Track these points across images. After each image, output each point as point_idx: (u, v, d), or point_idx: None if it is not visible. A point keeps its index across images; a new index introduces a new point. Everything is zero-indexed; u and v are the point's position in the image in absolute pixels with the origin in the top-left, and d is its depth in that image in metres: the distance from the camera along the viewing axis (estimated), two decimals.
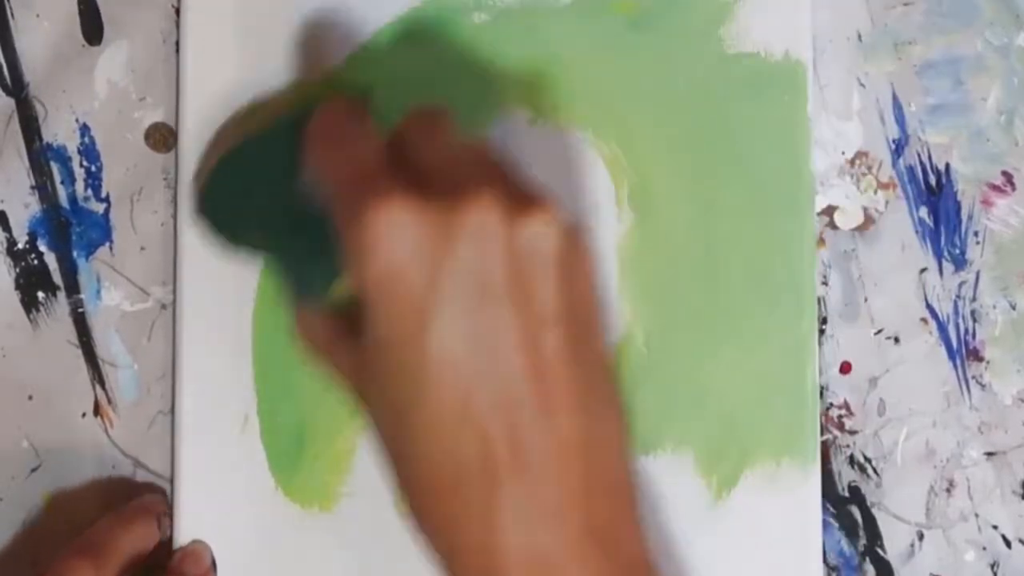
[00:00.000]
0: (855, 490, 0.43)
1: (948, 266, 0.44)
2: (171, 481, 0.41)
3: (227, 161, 0.39)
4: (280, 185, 0.37)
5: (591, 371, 0.33)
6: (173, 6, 0.43)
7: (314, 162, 0.35)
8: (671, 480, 0.41)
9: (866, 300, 0.43)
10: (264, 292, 0.41)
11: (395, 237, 0.31)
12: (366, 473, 0.41)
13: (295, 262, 0.37)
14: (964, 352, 0.44)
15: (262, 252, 0.39)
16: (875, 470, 0.43)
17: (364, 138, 0.34)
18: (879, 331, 0.43)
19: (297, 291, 0.37)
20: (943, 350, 0.44)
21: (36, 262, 0.42)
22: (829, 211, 0.44)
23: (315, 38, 0.42)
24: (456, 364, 0.31)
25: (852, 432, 0.43)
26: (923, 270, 0.44)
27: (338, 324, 0.35)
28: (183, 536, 0.41)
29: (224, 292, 0.41)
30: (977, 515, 0.43)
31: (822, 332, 0.43)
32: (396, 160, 0.33)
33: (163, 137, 0.42)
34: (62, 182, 0.42)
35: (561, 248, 0.32)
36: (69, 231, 0.42)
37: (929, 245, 0.44)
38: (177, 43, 0.42)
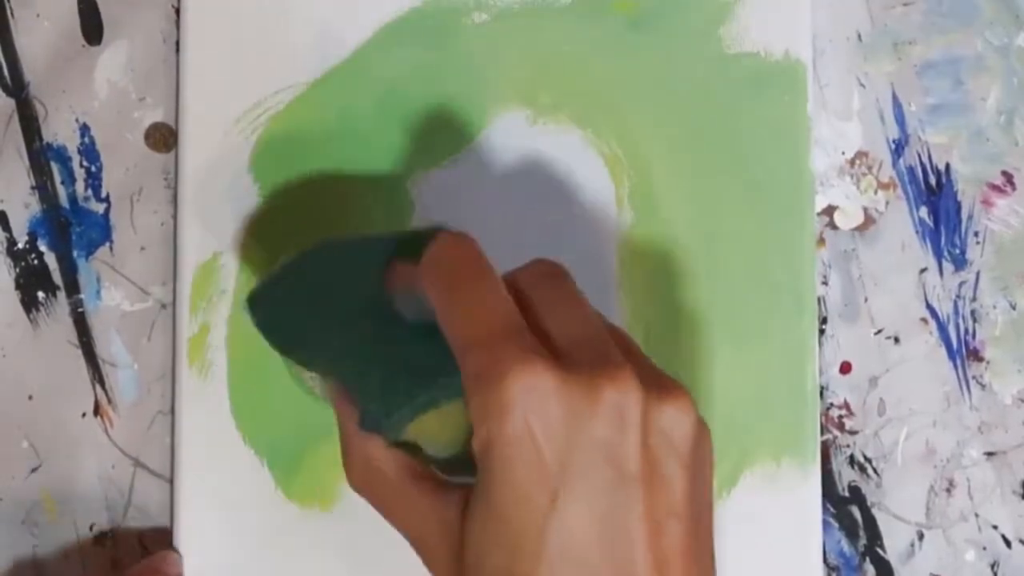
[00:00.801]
0: (855, 490, 0.43)
1: (948, 266, 0.44)
2: (171, 481, 0.41)
3: (295, 266, 0.37)
4: (357, 302, 0.35)
5: (705, 571, 0.32)
6: (173, 6, 0.43)
7: (439, 304, 0.33)
8: None
9: (866, 300, 0.43)
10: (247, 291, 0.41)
11: (534, 404, 0.30)
12: None
13: (367, 389, 0.34)
14: (964, 352, 0.44)
15: (321, 369, 0.37)
16: (875, 470, 0.43)
17: (494, 290, 0.32)
18: (879, 331, 0.43)
19: (364, 421, 0.33)
20: (943, 350, 0.44)
21: (36, 262, 0.42)
22: (829, 211, 0.44)
23: (315, 38, 0.42)
24: (579, 544, 0.30)
25: (852, 432, 0.43)
26: (923, 270, 0.44)
27: (416, 470, 0.33)
28: (183, 536, 0.41)
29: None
30: (977, 515, 0.43)
31: (822, 332, 0.43)
32: (531, 319, 0.32)
33: (163, 137, 0.42)
34: (62, 182, 0.42)
35: (694, 437, 0.31)
36: (69, 231, 0.42)
37: (929, 245, 0.44)
38: (177, 43, 0.42)
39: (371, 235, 0.37)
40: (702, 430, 0.32)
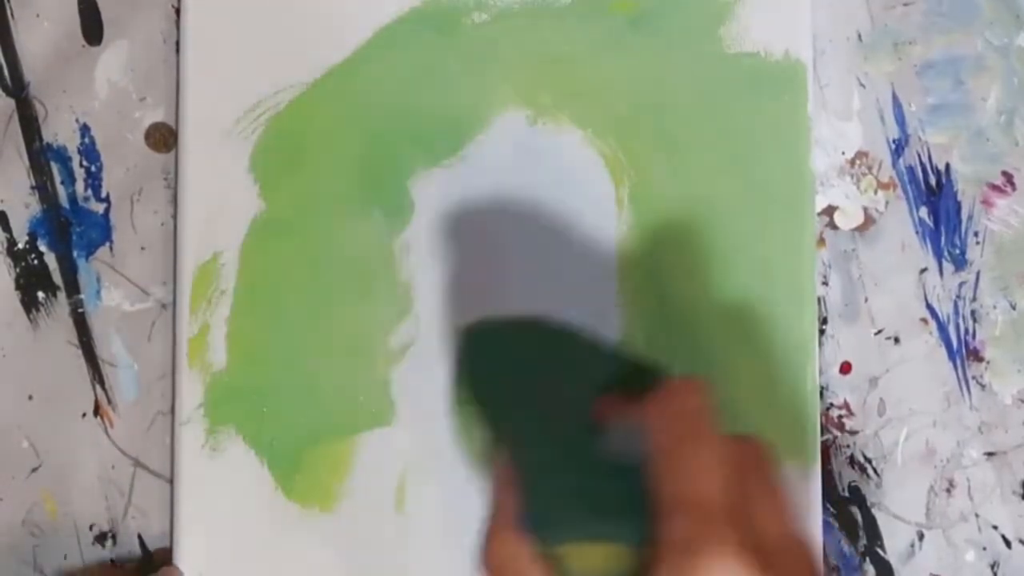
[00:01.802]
0: (855, 490, 0.43)
1: (948, 266, 0.44)
2: (171, 481, 0.41)
3: (523, 326, 0.37)
4: (563, 403, 0.35)
5: None
6: (173, 6, 0.43)
7: (659, 453, 0.33)
8: None
9: (866, 300, 0.43)
10: (246, 294, 0.41)
11: None
12: (366, 473, 0.41)
13: (542, 492, 0.33)
14: (964, 352, 0.44)
15: (500, 436, 0.37)
16: (875, 470, 0.43)
17: (715, 456, 0.33)
18: (879, 331, 0.43)
19: (528, 520, 0.33)
20: (943, 350, 0.44)
21: (36, 262, 0.42)
22: (829, 211, 0.44)
23: (315, 38, 0.42)
24: None
25: (852, 432, 0.43)
26: (923, 270, 0.44)
27: None
28: (183, 536, 0.41)
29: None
30: (977, 515, 0.43)
31: (822, 332, 0.43)
32: (735, 498, 0.32)
33: (163, 137, 0.42)
34: (62, 182, 0.42)
35: None
36: (69, 231, 0.42)
37: (929, 245, 0.44)
38: (177, 43, 0.42)
39: (600, 344, 0.37)
40: None
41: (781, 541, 0.32)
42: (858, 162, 0.44)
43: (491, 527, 0.35)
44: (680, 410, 0.33)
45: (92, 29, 0.42)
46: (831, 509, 0.43)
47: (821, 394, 0.43)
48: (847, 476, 0.43)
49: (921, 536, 0.43)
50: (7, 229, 0.42)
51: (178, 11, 0.42)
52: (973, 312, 0.44)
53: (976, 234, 0.44)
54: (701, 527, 0.31)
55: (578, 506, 0.33)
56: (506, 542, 0.34)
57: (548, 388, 0.35)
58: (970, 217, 0.44)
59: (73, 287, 0.42)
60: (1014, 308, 0.44)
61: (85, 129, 0.42)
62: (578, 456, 0.34)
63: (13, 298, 0.42)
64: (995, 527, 0.43)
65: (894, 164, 0.44)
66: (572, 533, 0.32)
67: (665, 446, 0.33)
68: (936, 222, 0.44)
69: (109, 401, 0.42)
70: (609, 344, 0.37)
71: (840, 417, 0.43)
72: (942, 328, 0.44)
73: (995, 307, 0.44)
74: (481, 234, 0.42)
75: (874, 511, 0.43)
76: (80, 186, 0.42)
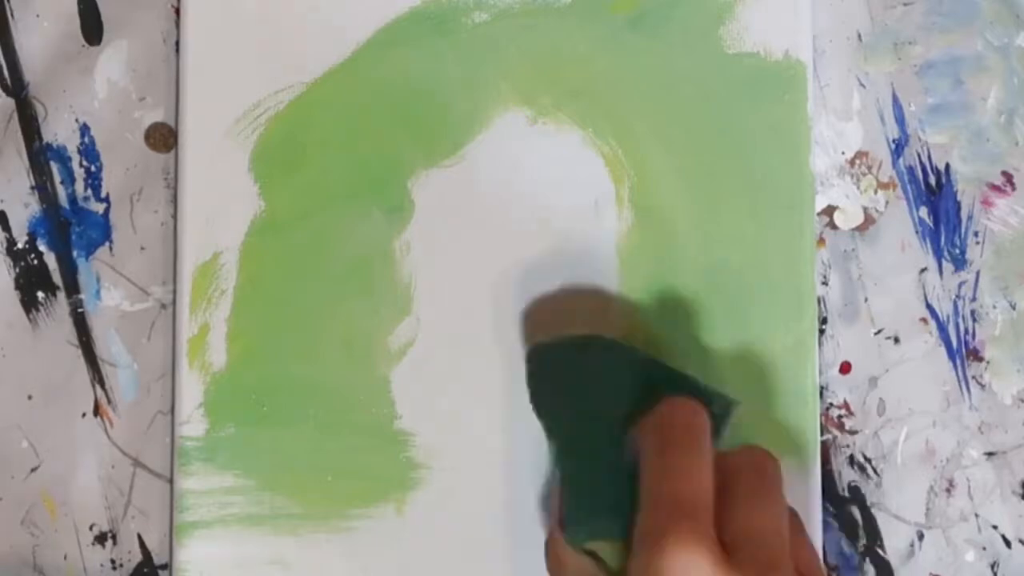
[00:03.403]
0: (855, 490, 0.43)
1: (948, 266, 0.44)
2: (171, 481, 0.41)
3: (580, 346, 0.39)
4: (606, 418, 0.37)
5: None
6: (173, 6, 0.43)
7: (644, 457, 0.35)
8: None
9: (866, 300, 0.43)
10: (247, 293, 0.41)
11: None
12: (366, 474, 0.41)
13: (572, 495, 0.37)
14: (964, 352, 0.44)
15: (555, 448, 0.39)
16: (875, 470, 0.43)
17: (697, 465, 0.34)
18: (879, 331, 0.43)
19: (561, 521, 0.37)
20: (943, 350, 0.44)
21: (36, 262, 0.42)
22: (829, 211, 0.44)
23: (315, 38, 0.42)
24: None
25: (852, 432, 0.43)
26: (923, 270, 0.44)
27: None
28: (183, 536, 0.41)
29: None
30: (977, 515, 0.43)
31: (822, 332, 0.43)
32: (722, 502, 0.34)
33: (163, 137, 0.42)
34: (62, 182, 0.42)
35: None
36: (69, 231, 0.42)
37: (929, 245, 0.44)
38: (177, 43, 0.42)
39: (647, 361, 0.39)
40: None
41: (761, 540, 0.33)
42: (858, 162, 0.44)
43: (549, 531, 0.38)
44: (670, 419, 0.35)
45: (92, 29, 0.42)
46: (831, 509, 0.43)
47: (821, 394, 0.43)
48: (847, 476, 0.43)
49: (921, 536, 0.43)
50: (7, 229, 0.42)
51: (178, 11, 0.42)
52: (973, 312, 0.44)
53: (976, 234, 0.44)
54: (673, 520, 0.32)
55: (598, 504, 0.36)
56: (553, 543, 0.37)
57: (592, 399, 0.38)
58: (970, 217, 0.44)
59: (73, 287, 0.42)
60: (1014, 308, 0.44)
61: (85, 129, 0.42)
62: (606, 462, 0.36)
63: (13, 298, 0.42)
64: (995, 527, 0.43)
65: (894, 164, 0.44)
66: (587, 532, 0.36)
67: (652, 448, 0.35)
68: (936, 222, 0.44)
69: (109, 401, 0.42)
70: (657, 363, 0.39)
71: (840, 417, 0.43)
72: (942, 328, 0.44)
73: (995, 307, 0.44)
74: (481, 234, 0.42)
75: (874, 511, 0.43)
76: (80, 186, 0.42)
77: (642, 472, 0.35)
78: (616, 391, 0.38)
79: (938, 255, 0.44)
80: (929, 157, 0.44)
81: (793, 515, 0.36)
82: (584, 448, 0.37)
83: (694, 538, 0.32)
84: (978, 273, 0.44)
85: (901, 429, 0.43)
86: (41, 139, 0.42)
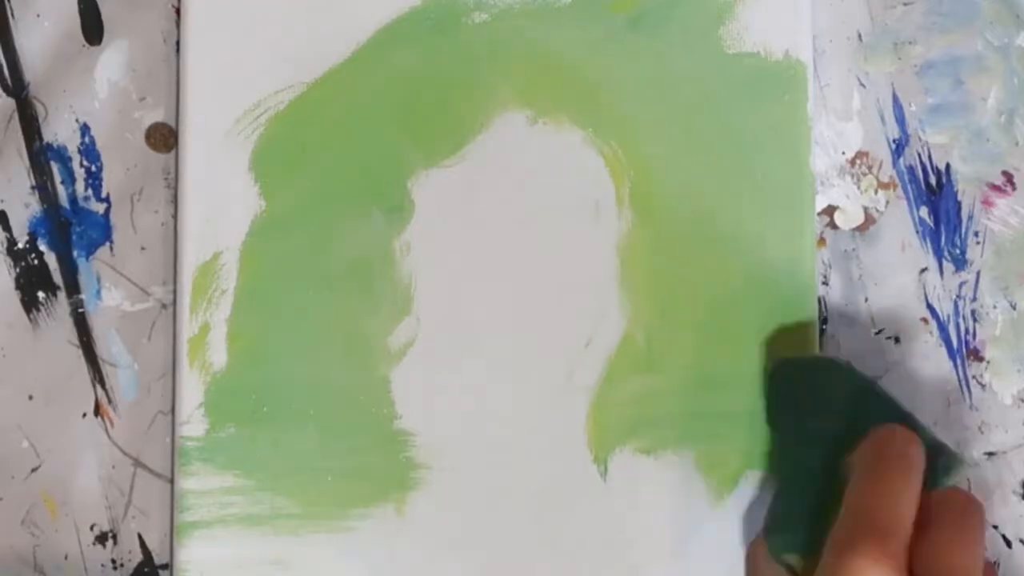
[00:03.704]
0: None
1: (948, 266, 0.44)
2: (171, 481, 0.41)
3: (823, 366, 0.41)
4: (826, 438, 0.38)
5: None
6: (173, 6, 0.43)
7: (854, 476, 0.36)
8: (672, 480, 0.41)
9: (866, 300, 0.43)
10: (248, 293, 0.41)
11: None
12: (366, 474, 0.41)
13: (777, 506, 0.39)
14: (964, 352, 0.44)
15: (776, 456, 0.41)
16: None
17: (902, 493, 0.35)
18: (879, 331, 0.43)
19: (763, 529, 0.39)
20: (943, 350, 0.44)
21: (36, 262, 0.42)
22: (829, 211, 0.44)
23: (315, 38, 0.42)
24: None
25: None
26: (923, 270, 0.44)
27: None
28: (183, 536, 0.41)
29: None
30: None
31: (822, 332, 0.43)
32: (920, 536, 0.34)
33: (163, 137, 0.42)
34: (62, 182, 0.42)
35: None
36: (69, 231, 0.42)
37: (929, 245, 0.44)
38: (177, 43, 0.42)
39: (876, 392, 0.40)
40: None
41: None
42: (858, 162, 0.44)
43: (755, 539, 0.39)
44: (886, 445, 0.36)
45: (92, 29, 0.42)
46: None
47: None
48: None
49: None
50: (7, 229, 0.42)
51: (178, 11, 0.42)
52: (973, 312, 0.44)
53: (976, 234, 0.44)
54: (865, 534, 0.33)
55: (796, 519, 0.37)
56: (754, 549, 0.39)
57: (820, 420, 0.39)
58: (970, 217, 0.44)
59: (73, 287, 0.42)
60: (1014, 308, 0.44)
61: (85, 129, 0.42)
62: (823, 480, 0.37)
63: (13, 298, 0.42)
64: (995, 527, 0.43)
65: (894, 164, 0.44)
66: (803, 547, 0.37)
67: (863, 468, 0.35)
68: (936, 222, 0.44)
69: (109, 401, 0.42)
70: (891, 399, 0.40)
71: None
72: (942, 328, 0.44)
73: (995, 307, 0.44)
74: (481, 234, 0.42)
75: None
76: (80, 186, 0.42)
77: (848, 488, 0.35)
78: (843, 415, 0.38)
79: (938, 255, 0.44)
80: (929, 157, 0.44)
81: (989, 566, 0.36)
82: (802, 464, 0.38)
83: (883, 554, 0.32)
84: (978, 273, 0.44)
85: None
86: (41, 139, 0.42)
